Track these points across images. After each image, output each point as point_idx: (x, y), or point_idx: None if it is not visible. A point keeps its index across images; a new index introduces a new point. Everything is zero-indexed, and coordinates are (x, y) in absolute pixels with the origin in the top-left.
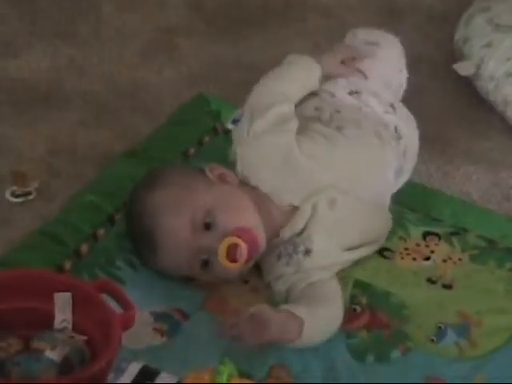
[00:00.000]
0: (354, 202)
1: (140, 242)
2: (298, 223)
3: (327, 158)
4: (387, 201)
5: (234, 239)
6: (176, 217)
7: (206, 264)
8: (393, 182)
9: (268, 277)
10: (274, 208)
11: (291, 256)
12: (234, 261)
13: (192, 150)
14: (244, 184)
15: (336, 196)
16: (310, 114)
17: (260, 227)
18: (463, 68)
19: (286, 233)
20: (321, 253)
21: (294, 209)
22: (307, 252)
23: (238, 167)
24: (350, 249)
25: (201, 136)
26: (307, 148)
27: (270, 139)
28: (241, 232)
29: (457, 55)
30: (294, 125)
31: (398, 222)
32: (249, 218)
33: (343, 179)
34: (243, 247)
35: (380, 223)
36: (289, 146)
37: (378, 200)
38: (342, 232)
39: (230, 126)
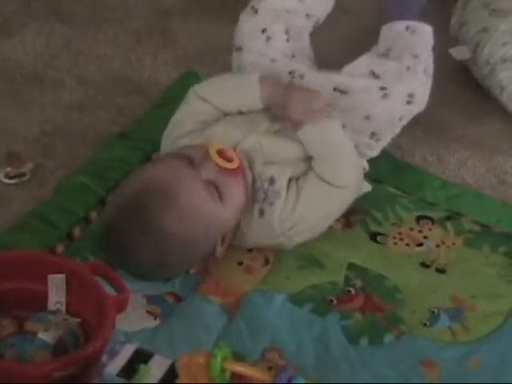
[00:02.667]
0: (271, 138)
1: (142, 214)
2: (247, 175)
3: None
4: None
5: (216, 145)
6: (172, 164)
7: (217, 189)
8: None
9: (278, 240)
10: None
11: (266, 196)
12: (229, 160)
13: None
14: None
15: (253, 140)
16: None
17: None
18: (459, 53)
19: (257, 184)
20: (279, 171)
21: None
22: (271, 181)
23: None
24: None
25: None
26: None
27: None
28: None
29: (453, 40)
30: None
31: (391, 207)
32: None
33: None
34: (227, 148)
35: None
36: None
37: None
38: (277, 159)
39: None
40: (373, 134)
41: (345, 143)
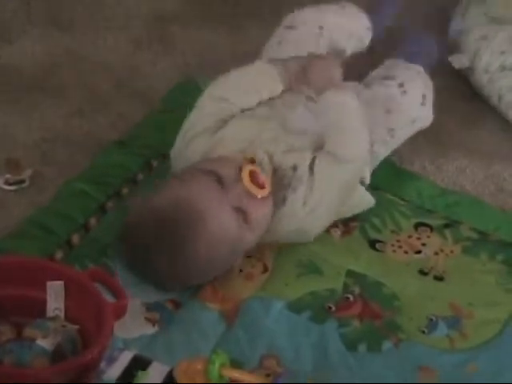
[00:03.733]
0: (289, 131)
1: (166, 242)
2: (266, 166)
3: None
4: None
5: (248, 166)
6: (200, 185)
7: (244, 213)
8: None
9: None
10: None
11: (290, 182)
12: (261, 186)
13: None
14: None
15: (272, 134)
16: None
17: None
18: (458, 61)
19: (279, 174)
20: (300, 159)
21: None
22: (294, 168)
23: None
24: None
25: None
26: None
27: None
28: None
29: (452, 47)
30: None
31: (390, 214)
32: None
33: None
34: (258, 170)
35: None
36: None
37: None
38: (295, 147)
39: None
40: (390, 130)
41: (358, 117)
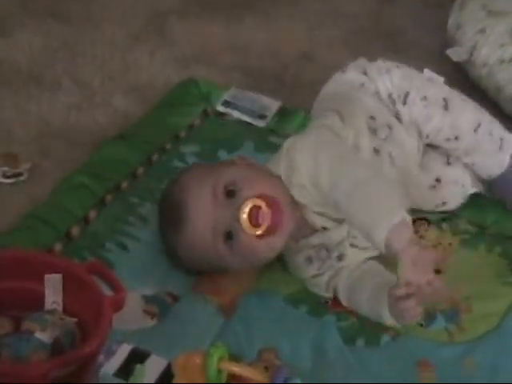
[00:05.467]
0: None
1: (167, 222)
2: (333, 239)
3: None
4: None
5: (256, 201)
6: (199, 188)
7: (229, 236)
8: None
9: (297, 275)
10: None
11: (324, 261)
12: (256, 225)
13: (183, 133)
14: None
15: None
16: None
17: (288, 205)
18: (456, 54)
19: (316, 240)
20: (354, 255)
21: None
22: (340, 257)
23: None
24: None
25: (191, 119)
26: None
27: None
28: (264, 197)
29: (450, 41)
30: None
31: None
32: (274, 188)
33: None
34: (265, 210)
35: None
36: None
37: None
38: (365, 245)
39: (220, 108)
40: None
41: None
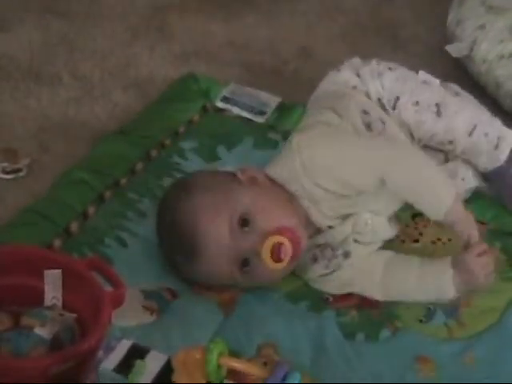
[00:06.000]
0: (384, 221)
1: (178, 250)
2: (336, 238)
3: None
4: None
5: (278, 238)
6: (215, 219)
7: (245, 264)
8: None
9: (303, 276)
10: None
11: (330, 260)
12: (278, 260)
13: (182, 129)
14: (276, 185)
15: (371, 218)
16: None
17: (300, 226)
18: (456, 50)
19: (321, 239)
20: (359, 251)
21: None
22: (346, 254)
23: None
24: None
25: (190, 114)
26: None
27: None
28: (283, 231)
29: (449, 37)
30: None
31: None
32: (289, 217)
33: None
34: (288, 246)
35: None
36: None
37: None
38: (370, 241)
39: (219, 104)
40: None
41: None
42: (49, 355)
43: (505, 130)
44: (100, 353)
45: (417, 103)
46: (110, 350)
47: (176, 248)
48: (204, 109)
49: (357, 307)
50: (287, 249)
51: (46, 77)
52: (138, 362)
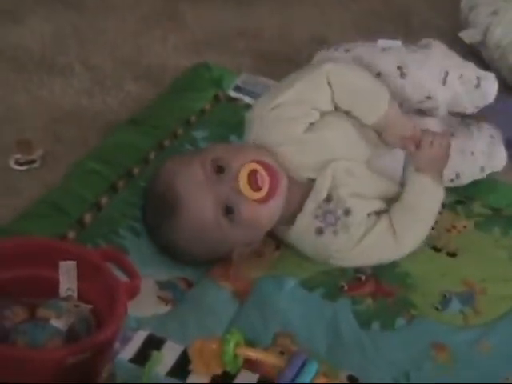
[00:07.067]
0: (366, 170)
1: (160, 210)
2: (321, 192)
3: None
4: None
5: (252, 165)
6: (186, 169)
7: (230, 211)
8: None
9: (322, 257)
10: (291, 181)
11: (335, 223)
12: (257, 188)
13: (194, 118)
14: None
15: (350, 165)
16: None
17: (277, 165)
18: (469, 36)
19: (310, 204)
20: (358, 206)
21: (311, 181)
22: (347, 211)
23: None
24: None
25: (203, 104)
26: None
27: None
28: (256, 161)
29: (463, 23)
30: (312, 120)
31: None
32: (261, 155)
33: (351, 151)
34: (263, 172)
35: (392, 190)
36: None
37: (393, 172)
38: (363, 193)
39: (231, 93)
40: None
41: (434, 216)
42: (65, 346)
43: (482, 71)
44: (116, 344)
45: (379, 74)
46: (126, 340)
47: (157, 213)
48: (216, 98)
49: (372, 295)
50: (263, 175)
51: (58, 68)
52: (155, 353)
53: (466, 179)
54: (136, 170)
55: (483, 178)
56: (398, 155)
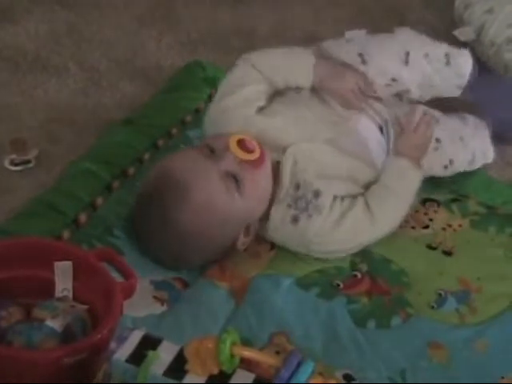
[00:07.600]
0: (331, 151)
1: (169, 194)
2: (286, 175)
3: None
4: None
5: (237, 136)
6: (186, 156)
7: (236, 182)
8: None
9: (309, 249)
10: None
11: (307, 207)
12: (250, 150)
13: (189, 117)
14: None
15: (311, 146)
16: None
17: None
18: (464, 34)
19: (279, 191)
20: (326, 186)
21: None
22: (316, 193)
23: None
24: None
25: (197, 103)
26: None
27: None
28: (239, 135)
29: (457, 21)
30: (260, 103)
31: None
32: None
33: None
34: (250, 139)
35: (363, 172)
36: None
37: (361, 151)
38: (330, 174)
39: None
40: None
41: (411, 198)
42: (60, 347)
43: (455, 49)
44: (112, 344)
45: (343, 64)
46: (122, 340)
47: (165, 200)
48: (211, 97)
49: (367, 294)
50: (250, 141)
51: (53, 67)
52: (151, 353)
53: (459, 165)
54: (131, 171)
55: (477, 169)
56: (363, 135)
